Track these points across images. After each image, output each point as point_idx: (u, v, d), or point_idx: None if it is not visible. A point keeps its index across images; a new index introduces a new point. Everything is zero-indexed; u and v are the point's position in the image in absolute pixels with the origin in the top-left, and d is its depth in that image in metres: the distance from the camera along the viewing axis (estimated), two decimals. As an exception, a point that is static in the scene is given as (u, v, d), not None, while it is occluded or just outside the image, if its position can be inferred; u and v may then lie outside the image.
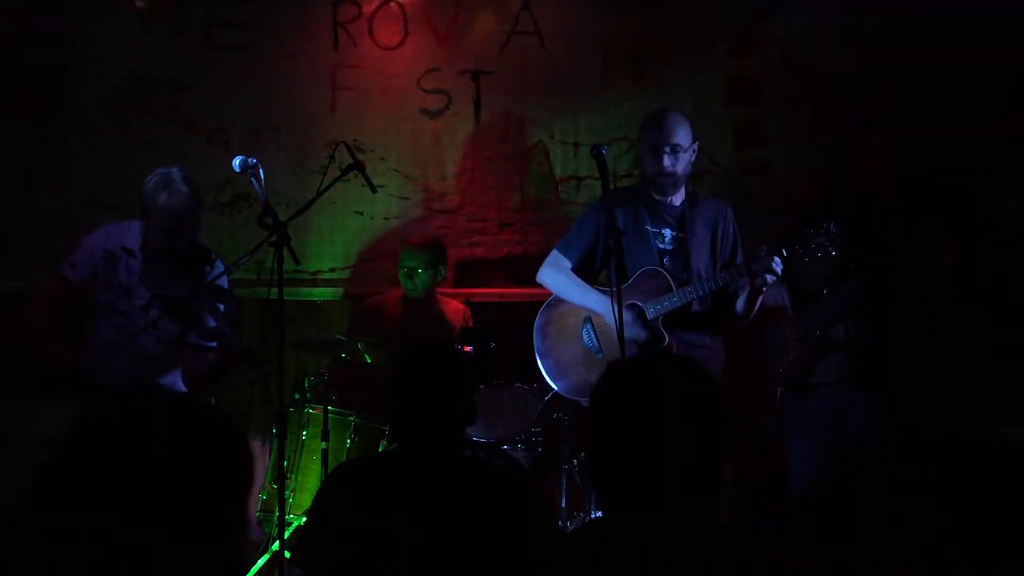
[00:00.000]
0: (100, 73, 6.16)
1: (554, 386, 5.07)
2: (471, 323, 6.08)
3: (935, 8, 6.13)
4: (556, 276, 5.02)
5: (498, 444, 5.61)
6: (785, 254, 4.59)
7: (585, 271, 5.01)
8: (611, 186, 4.79)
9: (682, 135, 4.83)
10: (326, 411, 5.48)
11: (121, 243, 4.92)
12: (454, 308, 6.14)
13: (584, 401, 4.88)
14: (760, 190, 6.26)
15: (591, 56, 6.38)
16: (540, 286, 5.35)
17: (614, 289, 4.44)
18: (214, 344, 4.95)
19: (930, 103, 6.02)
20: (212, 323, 4.86)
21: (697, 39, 6.39)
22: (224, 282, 5.01)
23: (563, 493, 5.58)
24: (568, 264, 5.01)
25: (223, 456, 1.82)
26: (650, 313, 4.79)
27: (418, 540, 3.17)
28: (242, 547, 1.86)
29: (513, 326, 5.99)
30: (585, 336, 4.96)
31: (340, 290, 6.43)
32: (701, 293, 4.76)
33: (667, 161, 4.81)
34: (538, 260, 6.05)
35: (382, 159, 6.31)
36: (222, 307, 4.83)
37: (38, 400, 5.59)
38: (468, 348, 5.60)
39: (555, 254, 5.07)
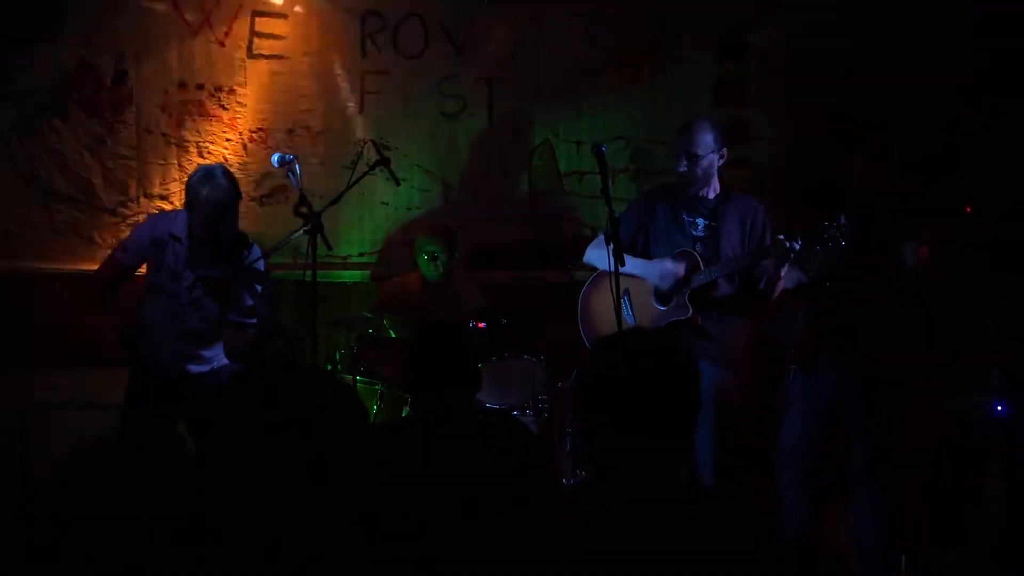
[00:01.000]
0: (155, 80, 6.32)
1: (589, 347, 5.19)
2: (484, 302, 6.22)
3: (903, 16, 6.37)
4: (598, 253, 5.17)
5: (509, 410, 5.75)
6: (799, 243, 4.79)
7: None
8: (610, 180, 4.98)
9: (701, 145, 5.10)
10: (355, 381, 5.63)
11: (168, 230, 5.06)
12: (468, 289, 6.30)
13: None
14: (743, 183, 6.28)
15: (592, 64, 6.58)
16: (551, 270, 5.72)
17: (613, 272, 4.68)
18: (252, 321, 5.07)
19: (898, 108, 6.17)
20: (250, 302, 5.00)
21: (688, 48, 6.62)
22: (261, 265, 5.15)
23: (567, 454, 5.83)
24: None
25: (350, 413, 1.97)
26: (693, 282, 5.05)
27: (433, 493, 3.32)
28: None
29: (522, 304, 6.26)
30: (623, 306, 5.06)
31: (368, 273, 6.60)
32: (725, 272, 5.00)
33: (682, 166, 5.13)
34: (544, 246, 6.31)
35: (405, 156, 6.50)
36: (259, 288, 4.98)
37: (91, 369, 5.86)
38: (482, 324, 5.80)
39: (599, 237, 5.23)
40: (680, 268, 5.09)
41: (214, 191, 4.93)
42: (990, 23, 6.25)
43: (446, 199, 6.66)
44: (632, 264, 5.05)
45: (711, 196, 5.22)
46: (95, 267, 5.61)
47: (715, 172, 5.21)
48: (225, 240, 5.06)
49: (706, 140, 5.14)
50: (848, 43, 6.49)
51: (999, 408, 5.49)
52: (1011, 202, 5.92)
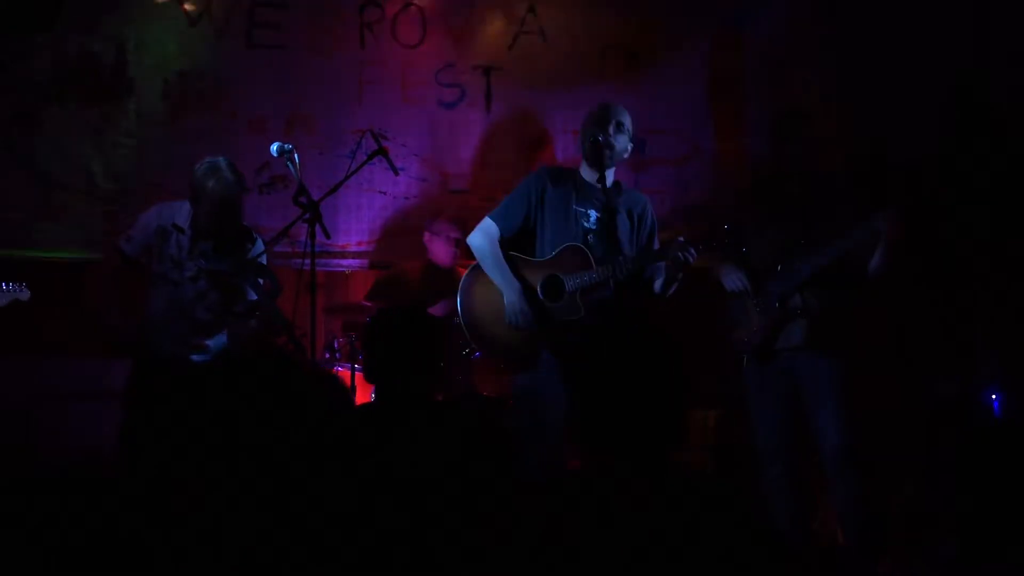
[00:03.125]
0: (154, 69, 6.28)
1: (471, 341, 4.95)
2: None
3: (901, 7, 6.35)
4: (483, 245, 4.96)
5: (505, 398, 5.68)
6: (692, 253, 4.71)
7: (515, 238, 4.97)
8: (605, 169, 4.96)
9: (627, 118, 4.92)
10: (353, 369, 5.69)
11: (172, 220, 5.03)
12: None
13: (493, 357, 5.06)
14: (738, 174, 6.44)
15: (589, 53, 6.58)
16: None
17: (613, 256, 4.69)
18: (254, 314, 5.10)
19: (888, 95, 6.20)
20: (253, 297, 4.99)
21: (684, 39, 6.61)
22: (264, 260, 5.08)
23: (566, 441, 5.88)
24: (498, 231, 4.96)
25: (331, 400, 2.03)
26: (569, 286, 4.80)
27: (387, 477, 3.23)
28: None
29: None
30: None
31: (366, 261, 6.58)
32: (620, 272, 4.78)
33: (611, 130, 4.86)
34: None
35: (403, 145, 6.48)
36: (261, 281, 4.94)
37: (91, 358, 5.88)
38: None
39: (487, 221, 5.01)
40: (525, 308, 4.81)
41: (220, 184, 4.92)
42: (988, 16, 6.25)
43: (443, 188, 6.65)
44: (497, 272, 4.91)
45: (602, 187, 4.94)
46: (94, 255, 5.60)
47: (618, 162, 5.02)
48: (229, 233, 5.07)
49: (629, 119, 4.99)
50: (845, 34, 6.48)
51: (993, 396, 5.47)
52: (1006, 196, 5.90)
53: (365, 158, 5.42)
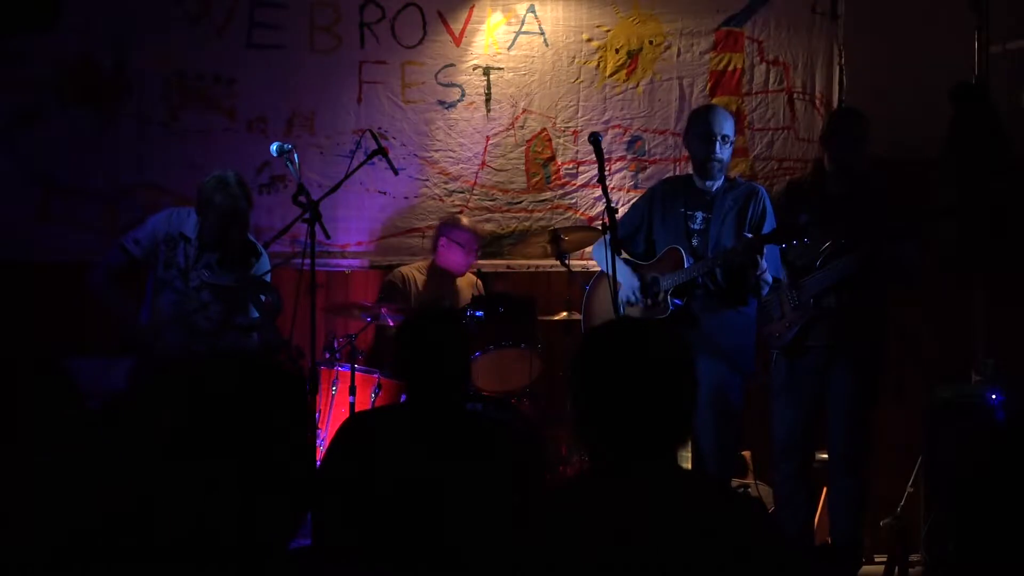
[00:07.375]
0: (154, 69, 6.27)
1: None
2: (482, 292, 6.26)
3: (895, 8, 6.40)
4: (598, 255, 5.32)
5: (506, 398, 5.77)
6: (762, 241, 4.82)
7: (630, 249, 5.20)
8: (606, 169, 5.03)
9: (728, 127, 5.07)
10: (353, 369, 5.62)
11: (180, 229, 5.07)
12: (468, 278, 6.33)
13: None
14: (739, 173, 6.33)
15: (589, 53, 6.54)
16: (548, 259, 5.90)
17: (609, 256, 4.75)
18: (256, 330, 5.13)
19: (890, 95, 6.24)
20: (255, 314, 5.05)
21: (684, 37, 6.57)
22: (269, 277, 5.17)
23: (565, 441, 5.80)
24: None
25: (286, 412, 1.89)
26: (663, 285, 5.02)
27: (419, 483, 3.29)
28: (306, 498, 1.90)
29: (519, 294, 6.25)
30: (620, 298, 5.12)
31: (366, 261, 6.56)
32: (704, 270, 4.93)
33: (717, 148, 5.03)
34: (541, 235, 6.25)
35: (403, 145, 6.46)
36: (264, 298, 5.01)
37: (90, 360, 5.73)
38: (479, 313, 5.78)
39: (606, 236, 5.09)
40: (636, 286, 5.09)
41: (226, 199, 4.95)
42: (988, 16, 6.20)
43: (443, 189, 6.61)
44: (619, 265, 5.07)
45: (713, 188, 5.13)
46: (94, 256, 5.53)
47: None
48: (234, 246, 5.09)
49: (731, 124, 5.13)
50: (844, 30, 6.52)
51: (993, 397, 5.45)
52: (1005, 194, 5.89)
53: (365, 158, 5.45)
